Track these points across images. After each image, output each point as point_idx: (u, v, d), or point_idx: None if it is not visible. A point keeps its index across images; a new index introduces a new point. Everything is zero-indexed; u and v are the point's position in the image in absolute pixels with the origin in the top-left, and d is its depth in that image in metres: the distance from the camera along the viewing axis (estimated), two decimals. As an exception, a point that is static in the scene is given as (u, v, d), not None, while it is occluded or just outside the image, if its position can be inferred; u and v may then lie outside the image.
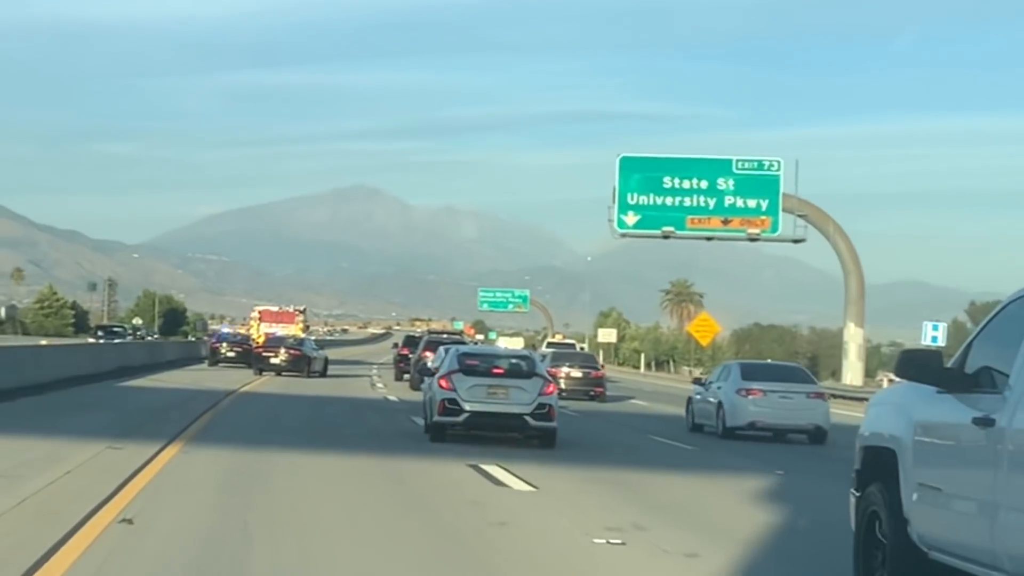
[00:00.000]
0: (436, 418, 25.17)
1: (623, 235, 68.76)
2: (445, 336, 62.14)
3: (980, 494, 8.49)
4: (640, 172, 66.73)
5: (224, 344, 67.44)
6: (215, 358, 66.90)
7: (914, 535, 9.45)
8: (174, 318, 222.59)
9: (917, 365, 9.52)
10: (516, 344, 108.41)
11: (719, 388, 33.04)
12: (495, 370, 25.56)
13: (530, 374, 25.37)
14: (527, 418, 24.72)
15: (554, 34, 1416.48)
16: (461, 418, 24.91)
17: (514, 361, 26.48)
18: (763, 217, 66.46)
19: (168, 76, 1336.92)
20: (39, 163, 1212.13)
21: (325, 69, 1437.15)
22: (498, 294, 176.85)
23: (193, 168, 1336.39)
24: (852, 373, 67.65)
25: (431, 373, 27.75)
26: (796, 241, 67.96)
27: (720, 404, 32.43)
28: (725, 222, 66.26)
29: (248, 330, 79.75)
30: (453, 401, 24.85)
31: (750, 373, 33.19)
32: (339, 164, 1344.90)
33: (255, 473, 18.90)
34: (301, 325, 79.79)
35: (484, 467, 20.48)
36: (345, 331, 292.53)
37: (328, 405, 37.84)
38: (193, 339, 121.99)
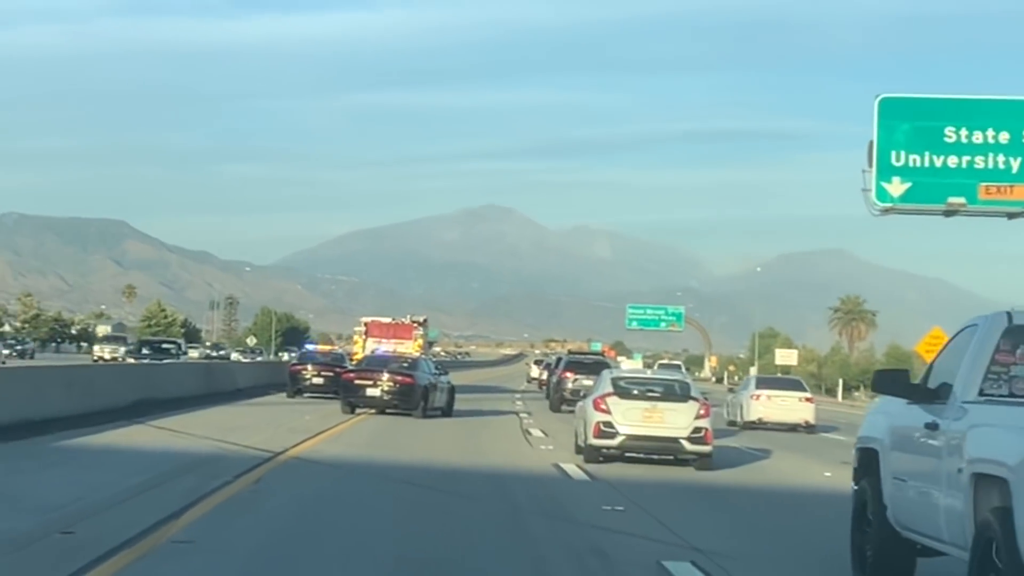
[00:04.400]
0: (591, 440, 24.86)
1: (885, 210, 47.08)
2: (588, 357, 57.36)
3: (928, 483, 10.44)
4: (910, 120, 45.62)
5: (308, 367, 47.71)
6: (296, 386, 47.37)
7: (890, 518, 11.34)
8: (295, 337, 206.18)
9: (888, 381, 11.69)
10: (635, 366, 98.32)
11: (741, 393, 45.49)
12: (651, 393, 25.42)
13: (685, 397, 25.26)
14: (683, 441, 24.54)
15: (687, 52, 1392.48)
16: (616, 441, 24.70)
17: (669, 384, 26.18)
18: (1092, 185, 44.90)
19: (295, 97, 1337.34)
20: (168, 184, 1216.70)
21: (454, 89, 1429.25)
22: (649, 311, 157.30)
23: (322, 189, 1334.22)
24: None
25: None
26: None
27: (740, 405, 44.47)
28: (1037, 191, 44.90)
29: (353, 349, 60.52)
30: (608, 424, 24.65)
31: (761, 383, 46.09)
32: (470, 184, 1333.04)
33: None
34: (420, 341, 60.26)
35: None
36: (467, 354, 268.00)
37: (448, 514, 16.43)
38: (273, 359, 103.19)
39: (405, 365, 39.19)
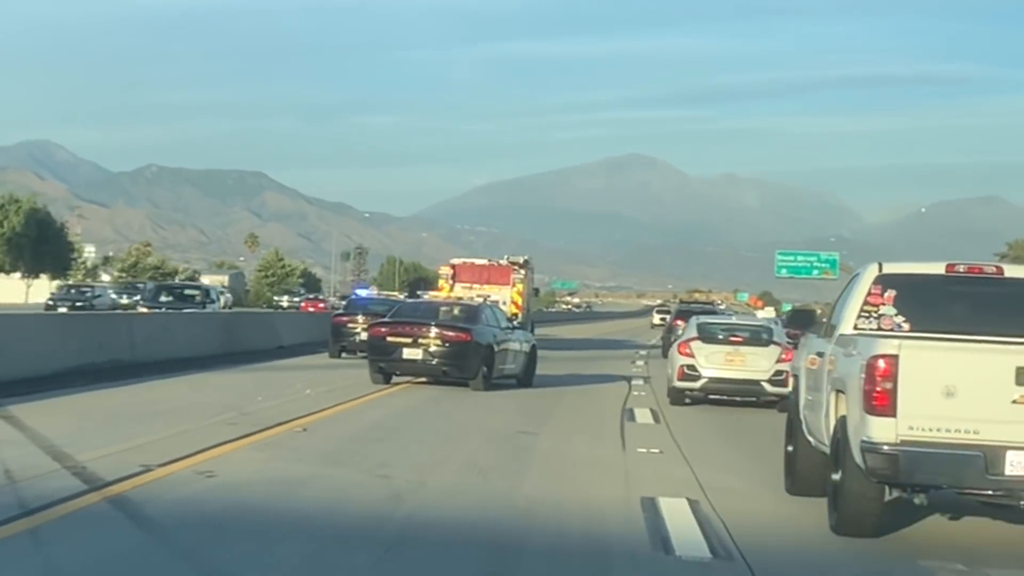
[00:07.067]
0: (675, 383, 25.53)
1: None
2: (696, 305, 61.57)
3: (818, 399, 12.35)
4: None
5: (358, 318, 36.34)
6: (339, 343, 36.46)
7: (804, 429, 13.08)
8: (421, 287, 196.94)
9: (798, 318, 15.42)
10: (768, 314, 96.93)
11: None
12: (733, 338, 26.01)
13: (768, 342, 25.71)
14: (764, 384, 25.06)
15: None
16: (699, 383, 25.33)
17: (753, 329, 26.91)
18: None
19: (434, 48, 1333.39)
20: (306, 136, 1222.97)
21: (598, 37, 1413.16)
22: (799, 258, 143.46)
23: (461, 139, 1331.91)
24: None
25: None
26: None
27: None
28: None
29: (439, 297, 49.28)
30: (692, 367, 25.29)
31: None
32: (612, 133, 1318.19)
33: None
34: (519, 287, 48.96)
35: None
36: (588, 306, 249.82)
37: None
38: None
39: (460, 315, 27.66)
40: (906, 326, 11.74)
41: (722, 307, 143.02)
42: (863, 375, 10.44)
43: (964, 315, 11.78)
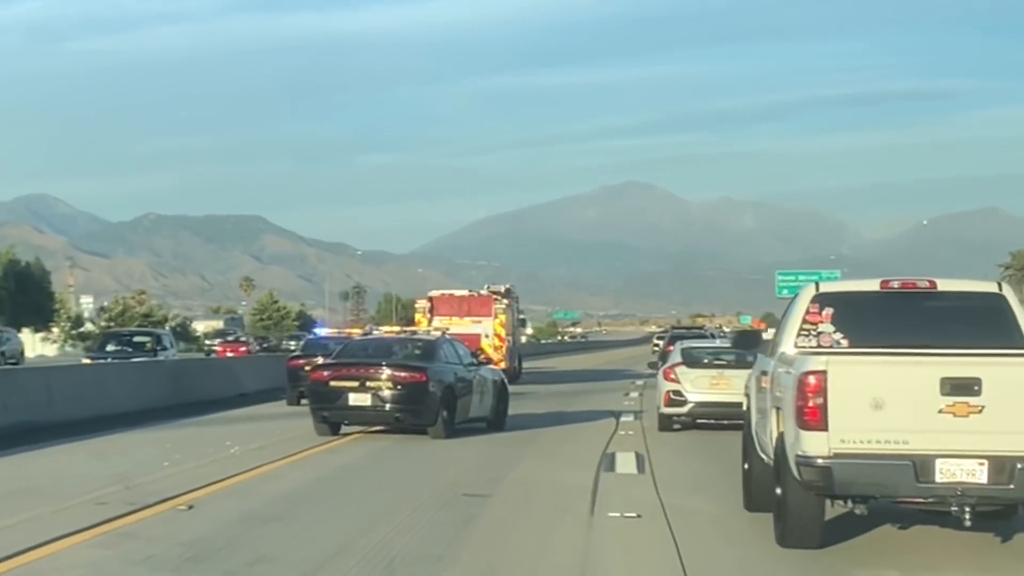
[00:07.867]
0: (662, 409, 25.53)
1: None
2: (696, 330, 63.09)
3: (764, 416, 12.56)
4: None
5: (318, 359, 32.71)
6: (297, 388, 32.85)
7: (756, 443, 13.28)
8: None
9: (744, 339, 15.89)
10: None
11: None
12: (718, 361, 25.97)
13: (752, 364, 21.52)
14: None
15: (822, 15, 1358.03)
16: (685, 408, 25.30)
17: (738, 352, 24.16)
18: None
19: (427, 84, 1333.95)
20: (303, 178, 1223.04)
21: (584, 67, 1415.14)
22: (801, 277, 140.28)
23: (459, 174, 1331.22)
24: None
25: None
26: None
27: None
28: None
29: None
30: (678, 392, 25.30)
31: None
32: (607, 162, 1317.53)
33: None
34: (502, 318, 45.83)
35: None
36: (584, 336, 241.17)
37: None
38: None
39: (414, 352, 24.15)
40: (844, 342, 11.94)
41: (727, 331, 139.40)
42: (795, 391, 10.74)
43: (900, 329, 11.95)
